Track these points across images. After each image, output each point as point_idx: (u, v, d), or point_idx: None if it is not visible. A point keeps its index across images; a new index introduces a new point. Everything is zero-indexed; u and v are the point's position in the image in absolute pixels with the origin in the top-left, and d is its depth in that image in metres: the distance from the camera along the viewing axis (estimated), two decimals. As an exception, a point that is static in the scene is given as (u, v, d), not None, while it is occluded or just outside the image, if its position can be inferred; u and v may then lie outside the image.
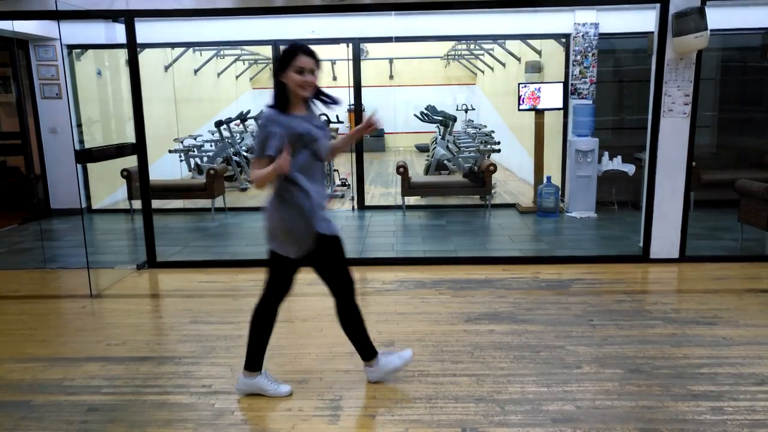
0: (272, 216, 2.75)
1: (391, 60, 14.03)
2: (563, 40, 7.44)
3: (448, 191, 8.04)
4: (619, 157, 7.17)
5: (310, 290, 4.64)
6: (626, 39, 7.33)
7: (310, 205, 2.69)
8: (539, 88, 7.27)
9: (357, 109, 7.55)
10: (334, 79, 14.51)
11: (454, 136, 9.89)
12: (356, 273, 4.96)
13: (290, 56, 2.62)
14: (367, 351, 3.03)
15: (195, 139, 9.82)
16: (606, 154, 7.16)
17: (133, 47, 5.03)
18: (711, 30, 4.57)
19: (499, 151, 8.83)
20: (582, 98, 7.19)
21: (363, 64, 7.63)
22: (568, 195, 7.22)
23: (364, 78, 7.57)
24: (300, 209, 2.68)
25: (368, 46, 11.63)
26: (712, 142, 7.88)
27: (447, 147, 9.03)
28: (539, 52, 8.48)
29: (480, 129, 10.83)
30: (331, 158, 2.74)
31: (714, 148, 7.87)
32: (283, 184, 2.69)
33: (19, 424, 2.76)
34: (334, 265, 2.90)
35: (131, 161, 5.42)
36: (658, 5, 4.82)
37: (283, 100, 2.68)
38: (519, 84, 7.39)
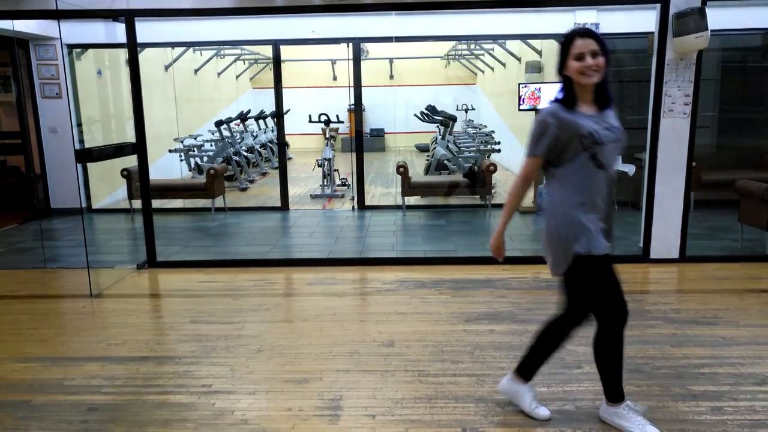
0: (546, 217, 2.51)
1: (391, 60, 14.03)
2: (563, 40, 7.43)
3: (448, 191, 8.03)
4: (619, 158, 7.14)
5: (310, 290, 4.65)
6: (626, 39, 7.31)
7: (564, 222, 2.41)
8: (540, 88, 7.26)
9: (357, 109, 7.55)
10: (335, 79, 14.54)
11: (454, 136, 9.89)
12: (356, 273, 5.02)
13: (567, 44, 2.38)
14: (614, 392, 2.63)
15: (195, 138, 9.83)
16: (606, 154, 7.14)
17: (133, 47, 5.03)
18: (711, 30, 4.57)
19: (499, 151, 8.83)
20: (582, 98, 7.18)
21: (363, 64, 7.62)
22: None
23: (364, 78, 7.57)
24: (554, 223, 2.44)
25: (368, 46, 11.63)
26: (713, 143, 7.88)
27: (447, 147, 9.03)
28: (540, 52, 8.47)
29: (480, 129, 10.84)
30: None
31: (714, 148, 7.87)
32: (552, 187, 2.46)
33: (19, 423, 2.76)
34: (590, 290, 2.53)
35: (131, 161, 5.42)
36: (658, 5, 4.82)
37: (569, 96, 2.41)
38: (519, 84, 7.37)
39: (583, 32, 2.36)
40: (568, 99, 2.42)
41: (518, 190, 2.54)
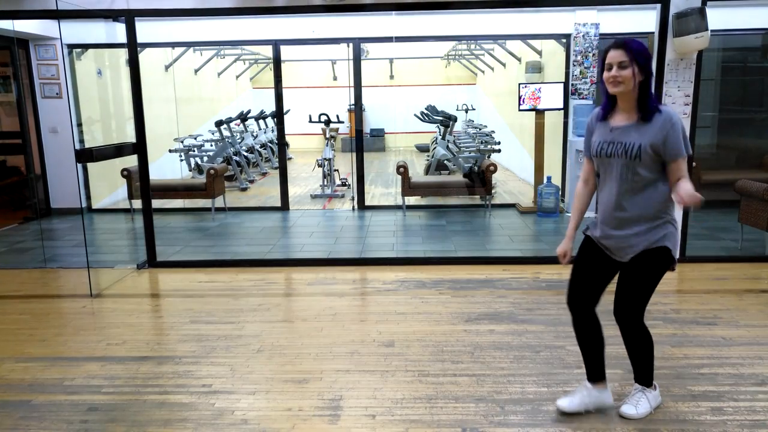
0: None
1: (391, 60, 14.03)
2: (564, 40, 7.44)
3: (448, 191, 8.04)
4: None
5: (309, 290, 4.65)
6: (626, 39, 7.31)
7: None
8: (540, 89, 7.27)
9: (357, 109, 7.55)
10: (335, 79, 14.55)
11: (454, 136, 9.90)
12: (356, 273, 5.02)
13: (604, 54, 2.49)
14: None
15: (195, 138, 9.83)
16: (606, 154, 7.14)
17: (133, 47, 5.03)
18: (711, 30, 4.57)
19: (499, 151, 8.84)
20: (582, 99, 7.18)
21: (363, 64, 7.62)
22: (569, 195, 7.21)
23: (364, 78, 7.57)
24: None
25: (369, 46, 11.62)
26: (713, 143, 7.88)
27: (447, 147, 9.03)
28: (540, 53, 8.48)
29: (480, 129, 10.84)
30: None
31: (714, 148, 7.87)
32: None
33: (19, 423, 2.76)
34: (578, 269, 2.74)
35: (131, 161, 5.42)
36: (658, 5, 4.82)
37: (608, 103, 2.56)
38: (519, 84, 7.38)
39: (617, 44, 2.44)
40: (605, 106, 2.57)
41: (576, 190, 2.76)
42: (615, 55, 2.41)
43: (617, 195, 2.52)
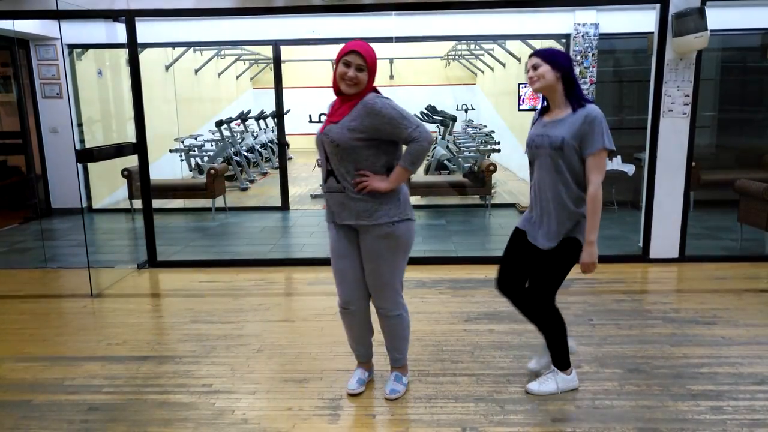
0: None
1: (391, 60, 14.03)
2: (563, 40, 7.44)
3: (448, 191, 8.04)
4: (619, 157, 7.17)
5: (310, 290, 4.65)
6: (626, 39, 7.32)
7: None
8: (539, 88, 7.26)
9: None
10: (335, 79, 14.53)
11: (454, 136, 9.90)
12: (356, 273, 4.99)
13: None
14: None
15: (195, 138, 9.83)
16: (606, 154, 7.14)
17: (133, 47, 5.03)
18: (711, 30, 4.58)
19: (499, 151, 8.85)
20: (582, 98, 7.18)
21: (363, 64, 7.61)
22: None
23: (364, 78, 7.56)
24: None
25: (368, 46, 11.58)
26: (712, 143, 7.88)
27: (447, 147, 9.03)
28: (539, 53, 8.46)
29: (480, 129, 10.84)
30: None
31: (714, 148, 7.88)
32: None
33: (19, 423, 2.77)
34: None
35: (132, 161, 5.43)
36: (658, 5, 4.82)
37: (545, 104, 2.80)
38: (519, 84, 7.39)
39: (530, 56, 2.74)
40: (543, 107, 2.82)
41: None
42: (529, 62, 2.70)
43: (544, 181, 2.82)
